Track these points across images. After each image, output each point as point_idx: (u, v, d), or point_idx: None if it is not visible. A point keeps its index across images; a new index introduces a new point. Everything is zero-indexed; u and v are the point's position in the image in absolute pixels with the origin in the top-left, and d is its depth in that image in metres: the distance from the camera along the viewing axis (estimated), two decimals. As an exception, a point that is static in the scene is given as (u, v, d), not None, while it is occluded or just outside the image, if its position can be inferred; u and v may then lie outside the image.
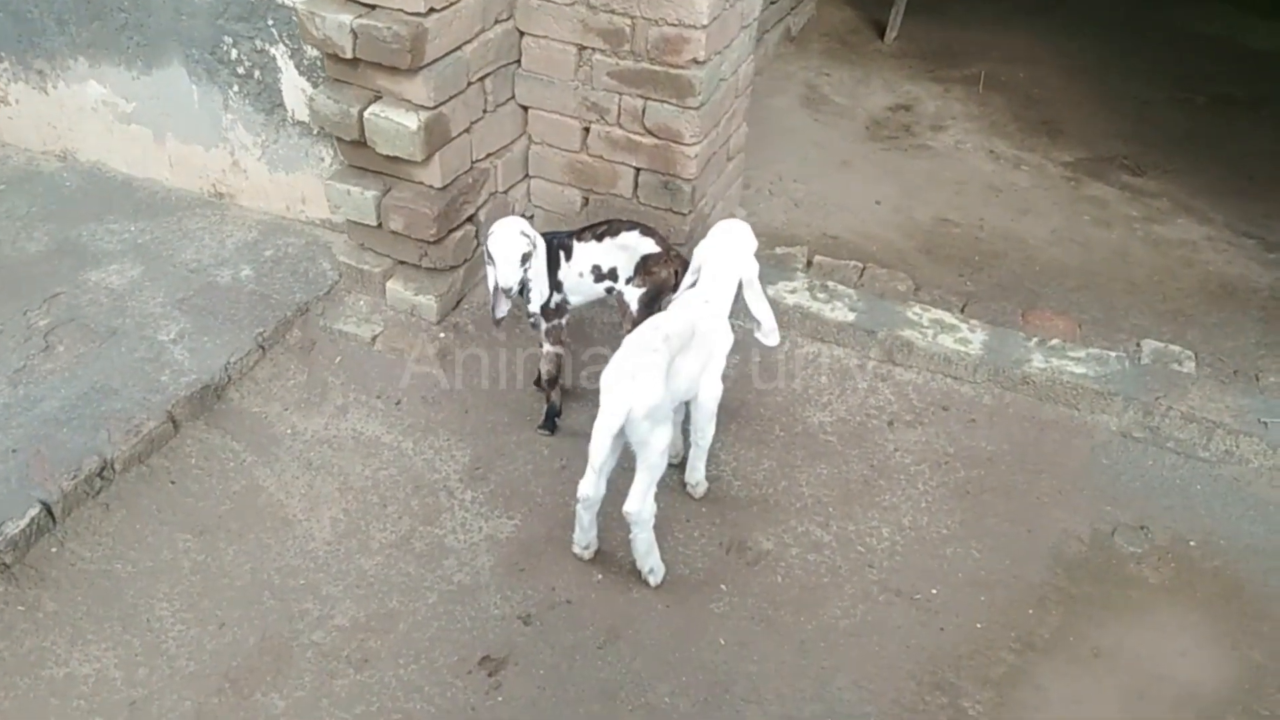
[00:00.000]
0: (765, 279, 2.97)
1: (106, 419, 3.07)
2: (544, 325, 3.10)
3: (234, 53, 3.64)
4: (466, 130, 3.34)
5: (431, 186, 3.29)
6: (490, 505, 3.00)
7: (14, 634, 2.61)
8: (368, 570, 2.82)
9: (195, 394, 3.20)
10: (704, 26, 3.14)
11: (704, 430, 2.90)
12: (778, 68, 5.31)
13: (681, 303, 2.84)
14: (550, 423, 3.21)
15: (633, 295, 3.08)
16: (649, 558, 2.74)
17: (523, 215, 3.71)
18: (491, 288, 2.93)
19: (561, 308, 3.12)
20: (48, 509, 2.82)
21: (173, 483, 3.02)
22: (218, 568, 2.80)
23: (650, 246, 3.05)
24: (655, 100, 3.33)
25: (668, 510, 2.89)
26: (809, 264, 3.78)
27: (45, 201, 4.03)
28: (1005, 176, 4.60)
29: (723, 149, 3.70)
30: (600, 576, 2.82)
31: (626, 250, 3.06)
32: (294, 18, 3.35)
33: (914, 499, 3.05)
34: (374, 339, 3.49)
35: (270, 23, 3.52)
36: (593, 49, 3.32)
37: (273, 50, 3.57)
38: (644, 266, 3.05)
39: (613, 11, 3.22)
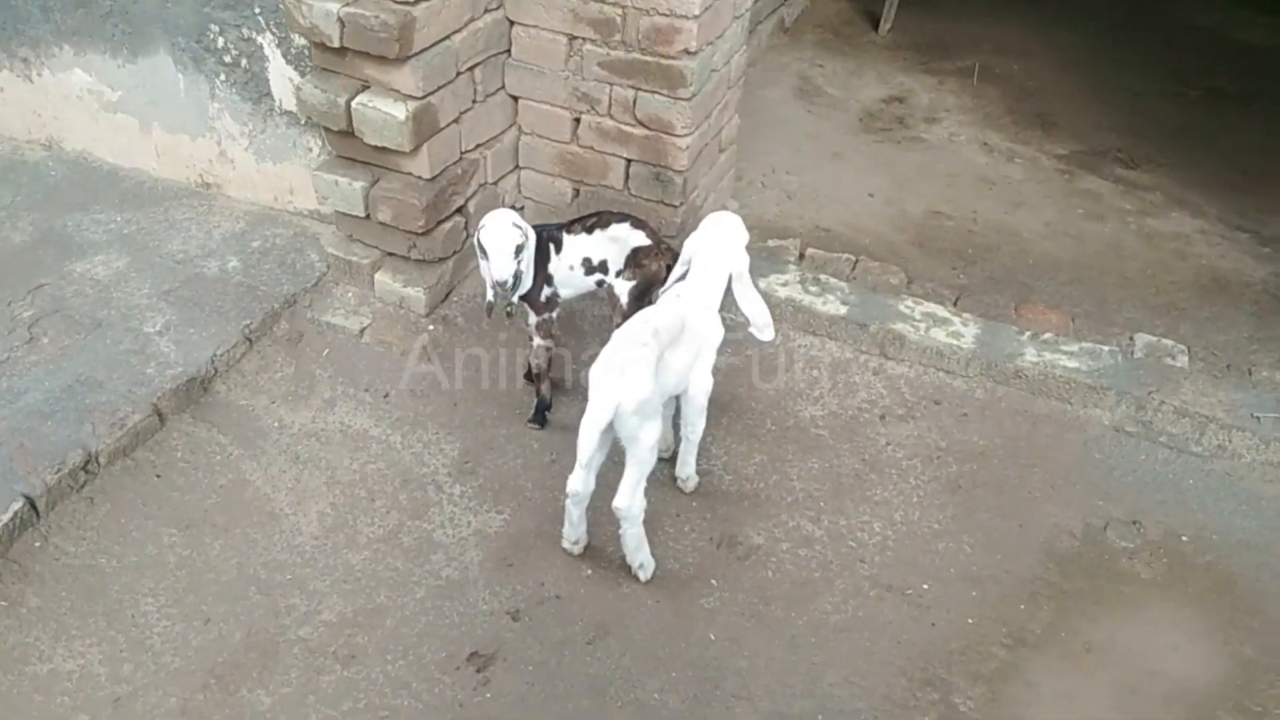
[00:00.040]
0: (757, 272, 2.95)
1: (91, 412, 3.04)
2: (534, 319, 3.08)
3: (220, 41, 3.60)
4: (455, 120, 3.31)
5: (420, 177, 3.26)
6: (479, 500, 2.98)
7: (-4, 629, 2.58)
8: (355, 565, 2.79)
9: (181, 386, 3.17)
10: (695, 17, 3.11)
11: (694, 424, 2.89)
12: (771, 59, 5.28)
13: (671, 296, 2.81)
14: (540, 416, 3.19)
15: (623, 288, 3.05)
16: (639, 553, 2.72)
17: (513, 207, 3.69)
18: (486, 280, 2.90)
19: (552, 301, 3.09)
20: (31, 503, 2.80)
21: (158, 476, 2.99)
22: (203, 562, 2.78)
23: (641, 239, 3.03)
24: (646, 91, 3.30)
25: (658, 505, 2.87)
26: (801, 257, 3.77)
27: (30, 191, 3.99)
28: (998, 169, 4.58)
29: (714, 140, 3.67)
30: (590, 572, 2.80)
31: (617, 243, 3.04)
32: (280, 5, 3.30)
33: (905, 493, 3.04)
34: (362, 331, 3.46)
35: (257, 10, 3.48)
36: (583, 39, 3.29)
37: (260, 38, 3.53)
38: (634, 259, 3.03)
39: (603, 1, 3.19)
